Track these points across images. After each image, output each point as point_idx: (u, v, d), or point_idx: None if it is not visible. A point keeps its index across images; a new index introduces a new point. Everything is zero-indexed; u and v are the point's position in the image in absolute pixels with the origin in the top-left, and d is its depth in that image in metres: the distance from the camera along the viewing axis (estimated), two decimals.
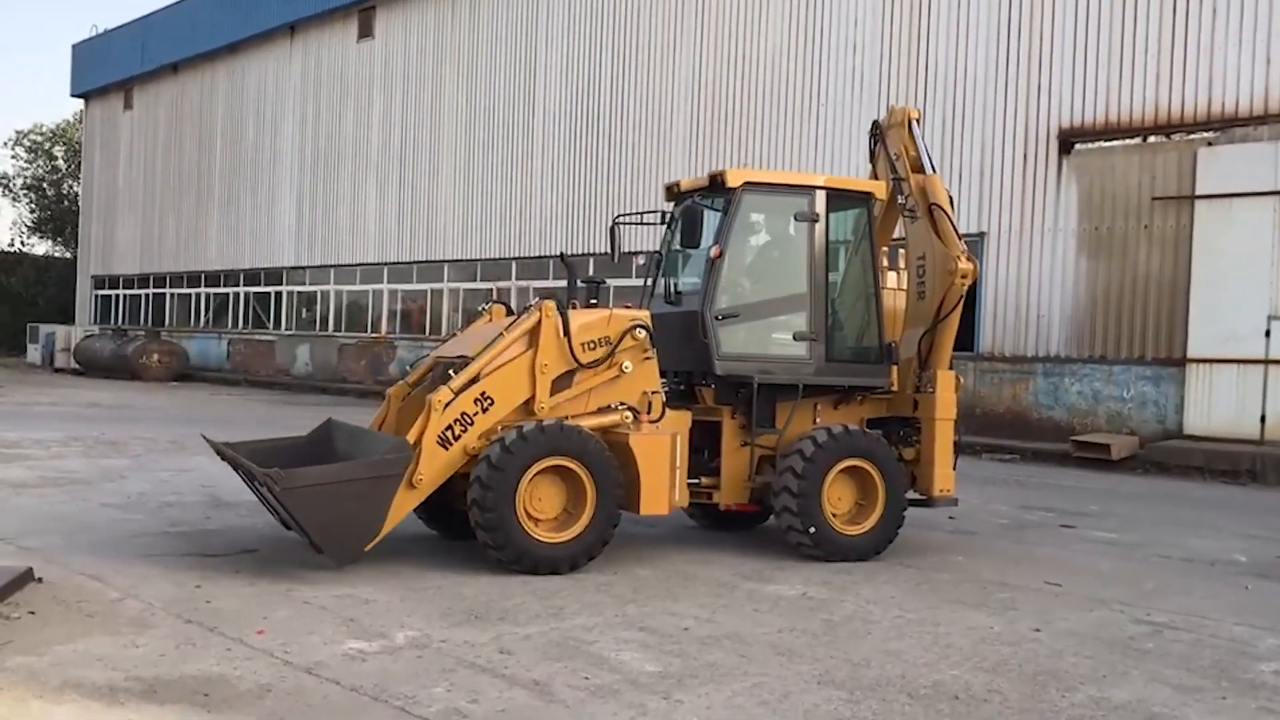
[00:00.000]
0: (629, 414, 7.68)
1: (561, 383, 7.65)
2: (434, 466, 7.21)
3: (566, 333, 7.58)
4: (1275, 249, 15.78)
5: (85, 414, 19.78)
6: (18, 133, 56.09)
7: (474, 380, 7.38)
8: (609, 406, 7.74)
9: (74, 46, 46.01)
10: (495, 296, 29.13)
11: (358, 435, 8.09)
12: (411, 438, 7.16)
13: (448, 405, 7.24)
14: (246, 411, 22.14)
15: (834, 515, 8.08)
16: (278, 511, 7.37)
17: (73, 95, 46.93)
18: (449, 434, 7.27)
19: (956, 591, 7.28)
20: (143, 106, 42.48)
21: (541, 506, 7.27)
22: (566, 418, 7.51)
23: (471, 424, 7.34)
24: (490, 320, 8.48)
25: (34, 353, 40.55)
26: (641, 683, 5.11)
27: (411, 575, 7.12)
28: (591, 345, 7.69)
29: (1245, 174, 16.07)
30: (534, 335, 7.56)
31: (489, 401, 7.42)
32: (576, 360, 7.64)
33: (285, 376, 33.88)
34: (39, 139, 54.96)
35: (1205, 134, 16.61)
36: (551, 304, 7.65)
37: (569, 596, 6.69)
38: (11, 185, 55.07)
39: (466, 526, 7.40)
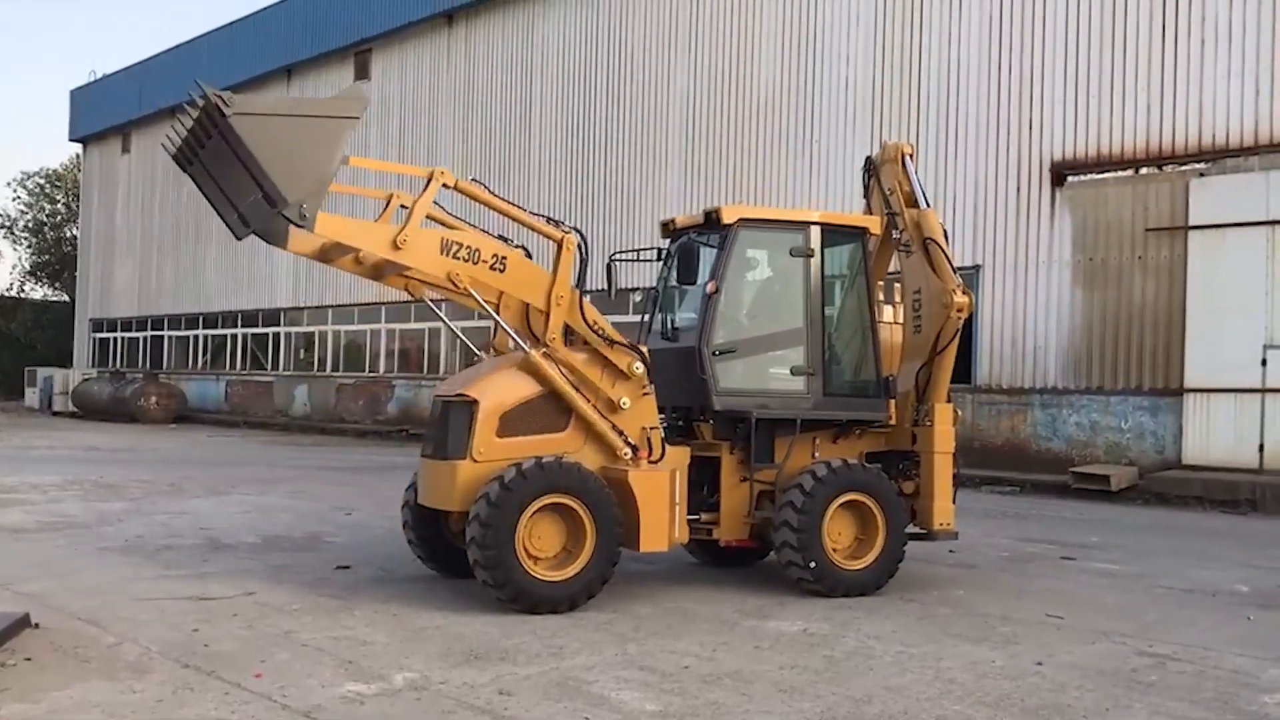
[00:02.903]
0: (628, 450, 7.67)
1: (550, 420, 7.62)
2: (423, 255, 7.28)
3: (582, 305, 7.64)
4: (1269, 278, 15.85)
5: (83, 457, 19.74)
6: (24, 173, 56.41)
7: (505, 240, 7.57)
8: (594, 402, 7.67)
9: (72, 92, 46.35)
10: (493, 335, 29.07)
11: None
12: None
13: (464, 248, 7.35)
14: (243, 452, 22.08)
15: (834, 550, 8.05)
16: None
17: (71, 140, 47.25)
18: (454, 249, 7.33)
19: (958, 626, 7.25)
20: (140, 150, 42.69)
21: (541, 545, 7.24)
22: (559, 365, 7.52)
23: (477, 262, 7.40)
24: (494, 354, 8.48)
25: (32, 396, 40.54)
26: None
27: (410, 615, 7.09)
28: (596, 330, 7.70)
29: (1237, 204, 16.16)
30: (556, 262, 7.62)
31: (502, 265, 7.52)
32: (585, 321, 7.64)
33: (283, 417, 33.85)
34: (41, 182, 55.27)
35: (1197, 165, 16.72)
36: (574, 236, 7.71)
37: (569, 635, 6.66)
38: (14, 228, 55.33)
39: (465, 565, 7.36)
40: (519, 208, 7.88)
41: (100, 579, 8.12)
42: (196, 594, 7.64)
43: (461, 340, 8.79)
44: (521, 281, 7.68)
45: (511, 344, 7.99)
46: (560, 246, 7.71)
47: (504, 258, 7.58)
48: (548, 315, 7.64)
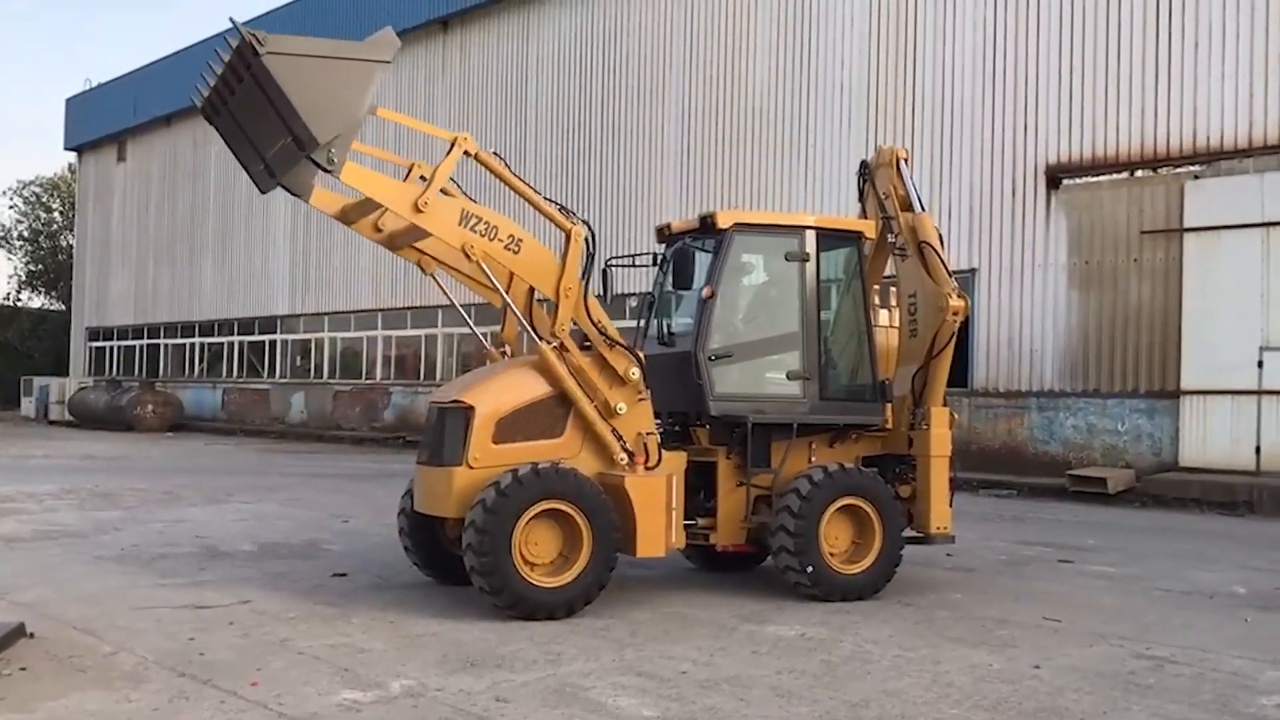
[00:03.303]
0: (624, 456, 7.66)
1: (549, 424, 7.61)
2: (442, 222, 7.26)
3: (587, 301, 7.60)
4: (1264, 280, 15.87)
5: (79, 466, 19.70)
6: (19, 182, 56.39)
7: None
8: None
9: (67, 100, 46.31)
10: (490, 341, 29.09)
11: None
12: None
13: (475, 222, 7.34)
14: (239, 459, 22.05)
15: (831, 554, 8.04)
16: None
17: (66, 149, 47.20)
18: (472, 221, 7.30)
19: (955, 629, 7.24)
20: (136, 159, 42.70)
21: (537, 551, 7.23)
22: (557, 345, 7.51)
23: (493, 239, 7.37)
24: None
25: (28, 405, 40.48)
26: None
27: (406, 622, 7.07)
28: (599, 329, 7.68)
29: (1232, 206, 16.19)
30: (564, 254, 7.58)
31: (517, 246, 7.48)
32: (590, 318, 7.61)
33: (280, 425, 33.82)
34: (37, 191, 55.25)
35: (1191, 167, 16.75)
36: (583, 229, 7.66)
37: (566, 642, 6.64)
38: (10, 237, 55.31)
39: (462, 572, 7.35)
40: (534, 190, 7.82)
41: (96, 588, 8.10)
42: (192, 602, 7.62)
43: (471, 328, 8.75)
44: (534, 266, 7.61)
45: (519, 332, 8.00)
46: (568, 238, 7.66)
47: (520, 240, 7.53)
48: (556, 307, 7.60)
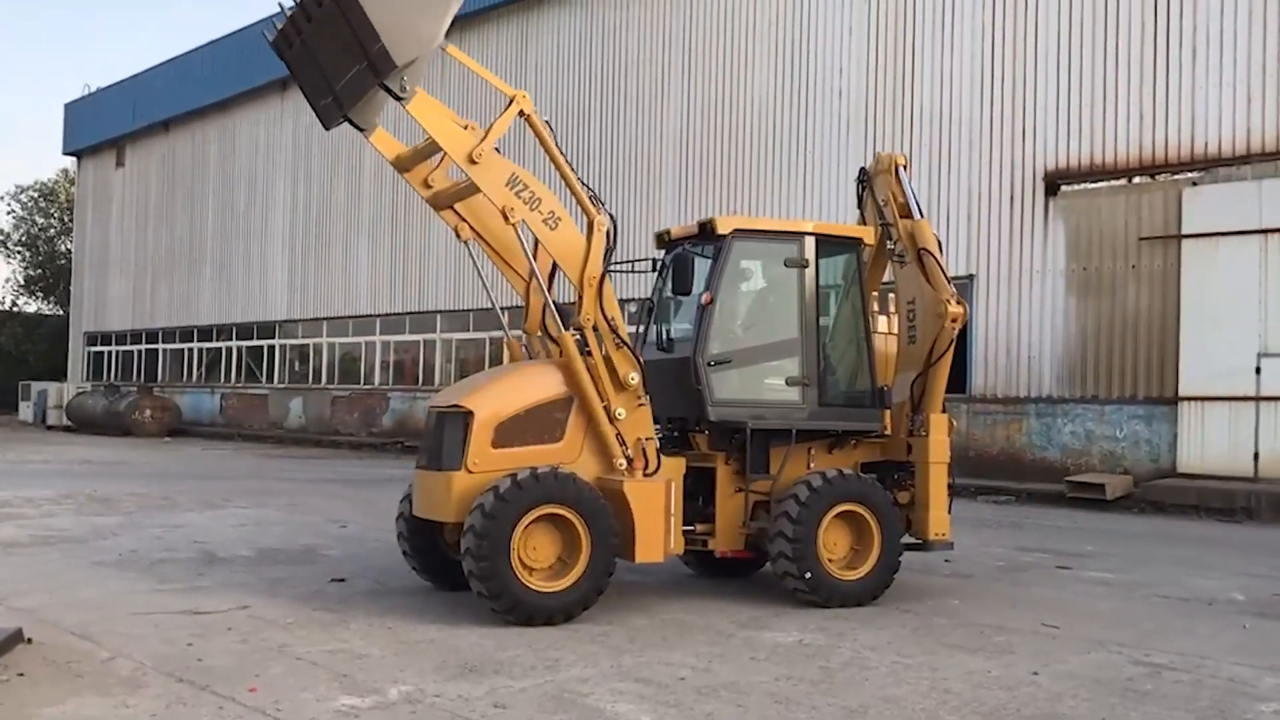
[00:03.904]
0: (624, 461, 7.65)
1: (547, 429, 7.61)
2: (492, 178, 7.35)
3: (602, 293, 7.58)
4: (1262, 286, 15.90)
5: (77, 471, 19.68)
6: (17, 187, 56.39)
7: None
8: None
9: (66, 106, 46.35)
10: (489, 347, 29.33)
11: None
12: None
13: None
14: (237, 465, 22.04)
15: (830, 560, 8.04)
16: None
17: (64, 153, 47.24)
18: (519, 186, 7.38)
19: (954, 636, 7.24)
20: (135, 164, 42.71)
21: (536, 555, 7.22)
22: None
23: (534, 209, 7.42)
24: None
25: (26, 410, 40.44)
26: None
27: (404, 628, 7.07)
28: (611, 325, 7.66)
29: (1230, 213, 16.22)
30: (588, 242, 7.59)
31: (555, 223, 7.53)
32: (602, 310, 7.59)
33: (278, 430, 33.80)
34: (35, 195, 55.25)
35: (1189, 174, 16.78)
36: (606, 220, 7.65)
37: (564, 647, 6.64)
38: (8, 242, 55.30)
39: (460, 577, 7.35)
40: (572, 169, 7.77)
41: (94, 593, 8.09)
42: (190, 608, 7.61)
43: (485, 289, 8.76)
44: (565, 247, 7.62)
45: (539, 328, 8.05)
46: (591, 226, 7.64)
47: (559, 219, 7.57)
48: (580, 296, 7.59)
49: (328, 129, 7.55)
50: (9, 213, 56.76)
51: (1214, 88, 16.56)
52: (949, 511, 8.65)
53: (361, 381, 32.10)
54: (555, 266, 7.96)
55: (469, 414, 7.46)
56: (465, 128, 7.50)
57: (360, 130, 7.27)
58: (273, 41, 7.49)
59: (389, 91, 6.92)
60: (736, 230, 8.40)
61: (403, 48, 6.81)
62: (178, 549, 10.32)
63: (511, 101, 7.55)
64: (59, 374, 45.32)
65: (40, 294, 55.91)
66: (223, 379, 37.75)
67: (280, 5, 7.39)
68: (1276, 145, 16.01)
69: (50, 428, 37.38)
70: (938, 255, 8.87)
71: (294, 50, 7.34)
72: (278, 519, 12.87)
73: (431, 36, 6.96)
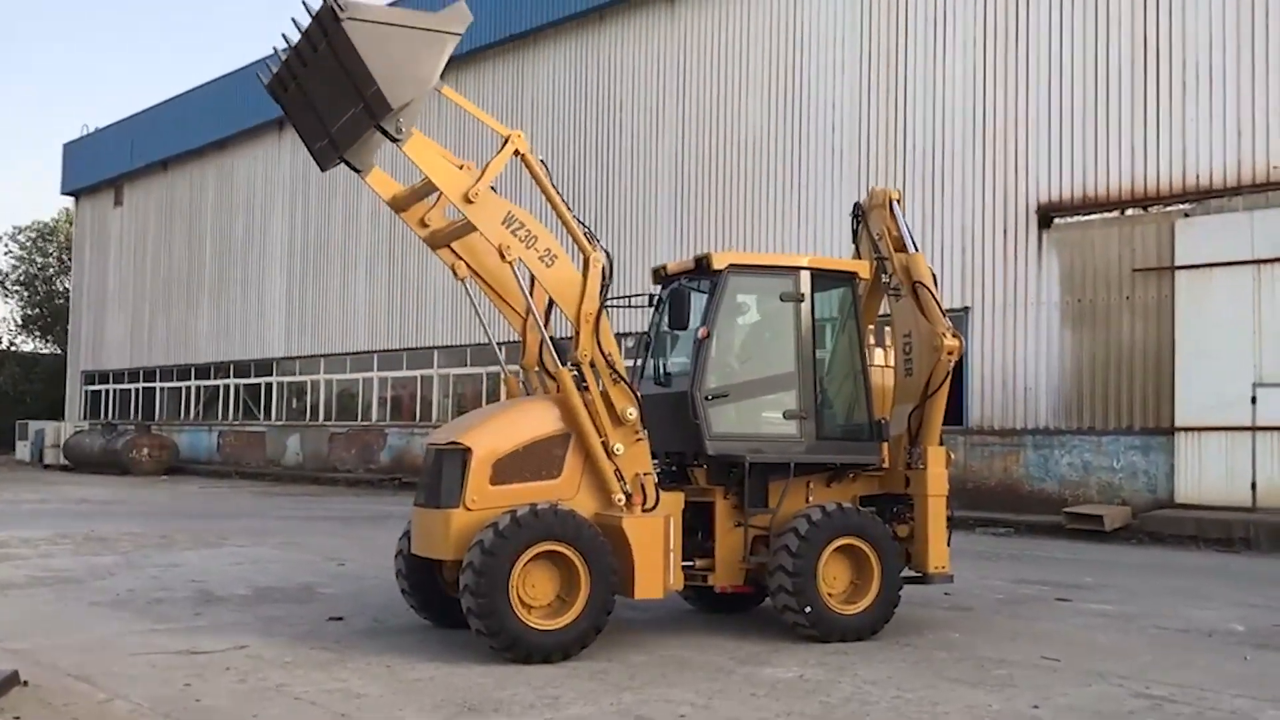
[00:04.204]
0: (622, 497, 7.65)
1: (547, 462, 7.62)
2: (488, 217, 7.41)
3: (598, 329, 7.62)
4: (1256, 316, 15.96)
5: (74, 510, 19.62)
6: (15, 227, 56.59)
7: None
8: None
9: (65, 146, 46.57)
10: (487, 382, 29.35)
11: None
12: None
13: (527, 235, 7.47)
14: (235, 503, 21.97)
15: (830, 594, 8.02)
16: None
17: (63, 193, 47.40)
18: (515, 225, 7.43)
19: (954, 669, 7.22)
20: (133, 203, 42.87)
21: (535, 593, 7.20)
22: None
23: (530, 247, 7.47)
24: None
25: (23, 449, 40.38)
26: None
27: (403, 666, 7.04)
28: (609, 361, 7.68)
29: (1223, 244, 16.31)
30: (584, 279, 7.62)
31: (551, 260, 7.57)
32: (599, 346, 7.62)
33: (275, 467, 33.74)
34: (33, 235, 55.41)
35: (1182, 206, 16.89)
36: (602, 256, 7.70)
37: (564, 685, 6.61)
38: (5, 282, 55.41)
39: (459, 615, 7.33)
40: (568, 206, 7.83)
41: (91, 634, 8.05)
42: (188, 648, 7.58)
43: (482, 326, 8.76)
44: (562, 283, 7.66)
45: (536, 364, 8.07)
46: (586, 263, 7.69)
47: (555, 256, 7.62)
48: (577, 333, 7.63)
49: (324, 170, 7.62)
50: (6, 253, 56.92)
51: (1205, 120, 16.69)
52: (948, 544, 8.64)
53: (359, 418, 32.08)
54: (552, 302, 8.00)
55: (467, 451, 7.46)
56: (461, 167, 7.56)
57: (356, 171, 7.34)
58: (268, 84, 7.58)
59: (385, 134, 6.99)
60: (732, 265, 8.45)
61: (398, 90, 6.88)
62: (175, 588, 10.28)
63: (506, 141, 7.62)
64: (56, 413, 45.25)
65: (38, 333, 55.97)
66: (220, 417, 37.71)
67: (275, 49, 7.47)
68: (1267, 176, 16.13)
69: (47, 467, 37.30)
70: (933, 288, 8.91)
71: (290, 93, 7.42)
72: (275, 557, 12.83)
73: (427, 78, 7.04)
